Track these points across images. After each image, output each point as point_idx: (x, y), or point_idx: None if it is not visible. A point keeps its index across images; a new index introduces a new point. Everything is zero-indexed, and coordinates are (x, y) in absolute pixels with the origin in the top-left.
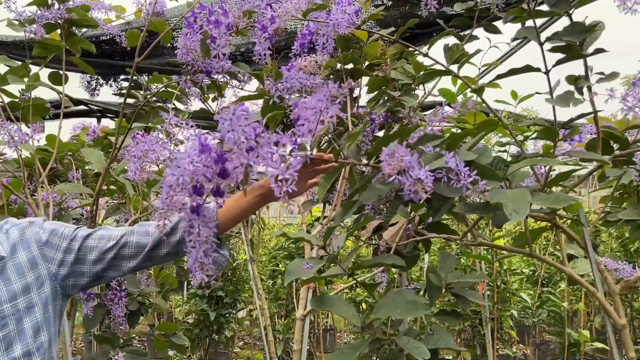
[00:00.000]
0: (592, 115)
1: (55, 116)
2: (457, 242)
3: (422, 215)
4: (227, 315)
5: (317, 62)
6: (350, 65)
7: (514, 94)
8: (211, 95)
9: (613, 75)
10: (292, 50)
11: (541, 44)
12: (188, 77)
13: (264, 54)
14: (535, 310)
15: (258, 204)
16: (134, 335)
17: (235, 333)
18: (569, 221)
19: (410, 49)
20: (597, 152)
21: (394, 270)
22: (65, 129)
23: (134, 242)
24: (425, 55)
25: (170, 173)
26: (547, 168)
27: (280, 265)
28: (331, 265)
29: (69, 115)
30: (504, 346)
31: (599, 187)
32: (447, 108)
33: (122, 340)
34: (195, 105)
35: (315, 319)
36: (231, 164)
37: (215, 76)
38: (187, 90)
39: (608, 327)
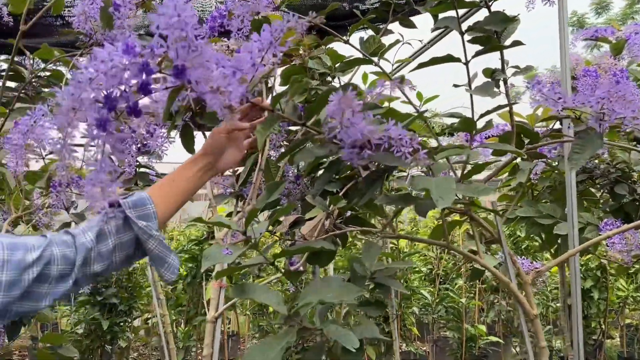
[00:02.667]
0: (507, 108)
1: None
2: (378, 235)
3: (340, 209)
4: (121, 323)
5: (228, 47)
6: None
7: (419, 95)
8: None
9: (528, 69)
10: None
11: (462, 34)
12: (85, 50)
13: None
14: (435, 307)
15: (203, 178)
16: (13, 350)
17: (130, 343)
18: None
19: (331, 36)
20: (512, 145)
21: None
22: None
23: (59, 256)
24: (346, 42)
25: (85, 67)
26: (465, 159)
27: (180, 269)
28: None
29: None
30: (406, 343)
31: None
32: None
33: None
34: None
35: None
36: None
37: None
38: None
39: (521, 318)
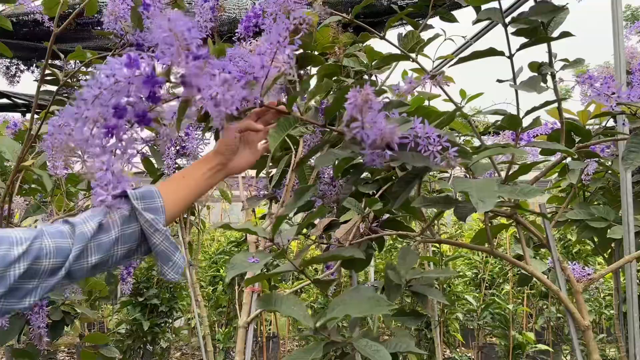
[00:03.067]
0: (556, 103)
1: None
2: (415, 239)
3: (376, 212)
4: (162, 324)
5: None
6: (300, 52)
7: (462, 93)
8: None
9: (578, 62)
10: (236, 35)
11: (505, 26)
12: (116, 51)
13: (205, 26)
14: (481, 313)
15: (213, 178)
16: (62, 348)
17: (172, 343)
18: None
19: (369, 33)
20: (561, 143)
21: (344, 272)
22: None
23: (51, 249)
24: (382, 38)
25: (87, 85)
26: (509, 160)
27: (221, 271)
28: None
29: None
30: (449, 350)
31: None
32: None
33: (46, 353)
34: None
35: (258, 326)
36: (162, 90)
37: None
38: None
39: (571, 328)
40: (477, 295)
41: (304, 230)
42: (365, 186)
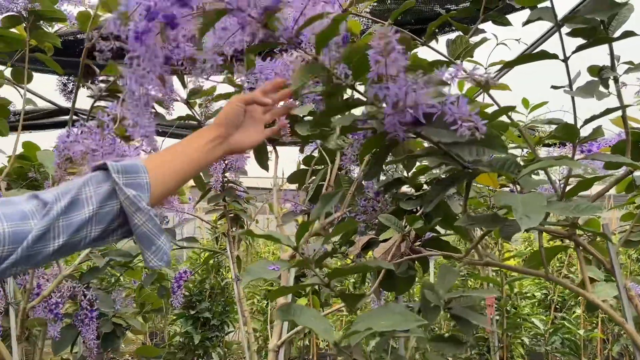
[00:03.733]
0: (620, 110)
1: (49, 125)
2: (460, 260)
3: (418, 230)
4: (213, 338)
5: (303, 58)
6: None
7: (525, 102)
8: (198, 101)
9: None
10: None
11: (559, 26)
12: None
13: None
14: (549, 338)
15: (212, 152)
16: (127, 356)
17: (225, 357)
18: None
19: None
20: (627, 155)
21: (389, 294)
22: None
23: (5, 234)
24: (424, 44)
25: None
26: (566, 174)
27: (275, 285)
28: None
29: (59, 125)
30: None
31: (614, 205)
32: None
33: None
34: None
35: (310, 343)
36: None
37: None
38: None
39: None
40: (545, 318)
41: (343, 249)
42: (407, 202)
